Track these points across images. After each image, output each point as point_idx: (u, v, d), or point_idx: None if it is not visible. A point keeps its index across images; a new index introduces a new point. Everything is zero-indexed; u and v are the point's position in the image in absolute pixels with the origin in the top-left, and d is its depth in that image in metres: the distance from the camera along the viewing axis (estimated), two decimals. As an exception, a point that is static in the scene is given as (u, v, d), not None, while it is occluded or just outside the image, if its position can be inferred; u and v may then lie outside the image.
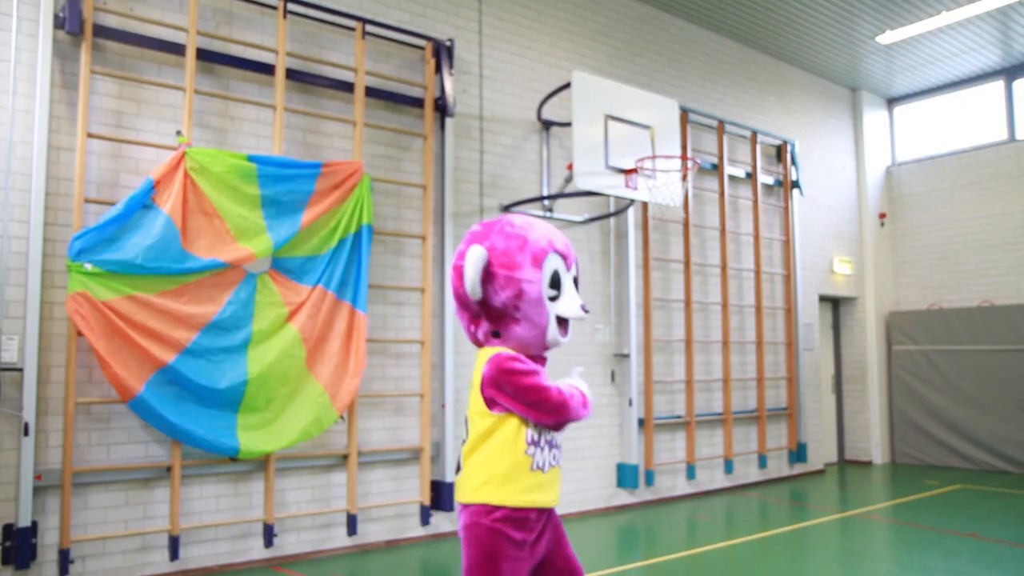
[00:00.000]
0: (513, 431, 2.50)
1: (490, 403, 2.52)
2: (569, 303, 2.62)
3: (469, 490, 2.53)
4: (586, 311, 2.65)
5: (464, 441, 2.61)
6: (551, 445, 2.59)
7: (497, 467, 2.50)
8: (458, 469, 2.62)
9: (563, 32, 7.77)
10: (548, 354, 2.67)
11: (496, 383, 2.48)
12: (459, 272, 2.55)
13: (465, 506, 2.54)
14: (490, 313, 2.56)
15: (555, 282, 2.58)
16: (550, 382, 2.54)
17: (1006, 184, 10.45)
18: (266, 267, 5.43)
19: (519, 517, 2.50)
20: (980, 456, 10.09)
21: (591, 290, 7.66)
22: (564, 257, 2.63)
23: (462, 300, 2.60)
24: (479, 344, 2.65)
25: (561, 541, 2.67)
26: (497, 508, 2.48)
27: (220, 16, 5.67)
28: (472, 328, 2.63)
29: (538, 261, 2.53)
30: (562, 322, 2.62)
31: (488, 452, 2.52)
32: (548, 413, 2.49)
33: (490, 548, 2.45)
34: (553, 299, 2.58)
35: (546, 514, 2.61)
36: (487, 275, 2.51)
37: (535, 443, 2.53)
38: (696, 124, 8.75)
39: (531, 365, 2.53)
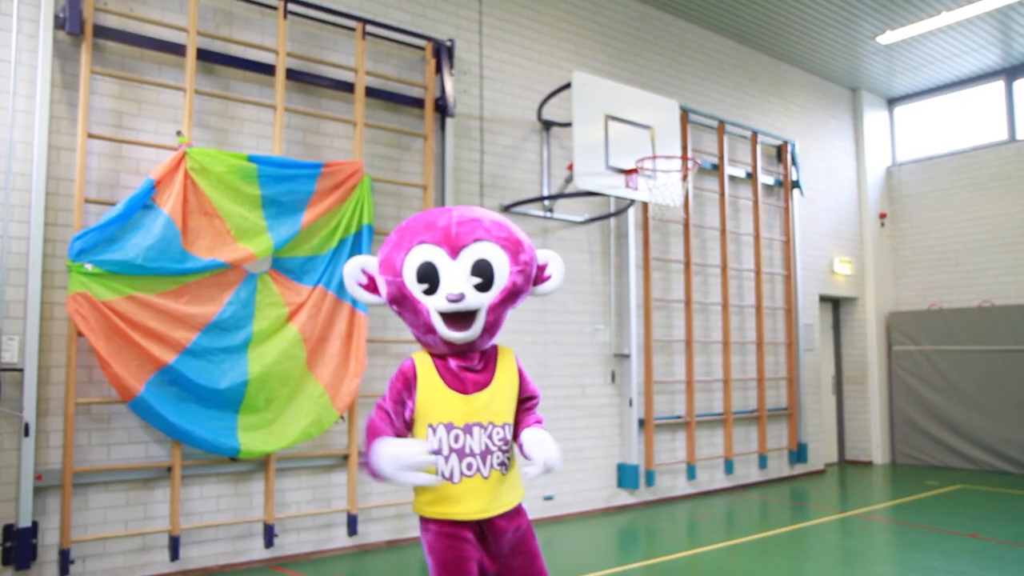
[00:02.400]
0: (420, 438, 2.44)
1: None
2: (439, 296, 2.38)
3: (414, 500, 2.54)
4: (452, 300, 2.35)
5: None
6: (462, 454, 2.40)
7: None
8: None
9: (563, 32, 7.77)
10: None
11: None
12: None
13: None
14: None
15: (425, 275, 2.39)
16: (379, 412, 2.40)
17: (1006, 184, 10.45)
18: (266, 267, 5.43)
19: (444, 527, 2.42)
20: (980, 456, 10.09)
21: (591, 290, 7.66)
22: (442, 244, 2.40)
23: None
24: None
25: (529, 558, 2.52)
26: (422, 518, 2.48)
27: (220, 16, 5.67)
28: None
29: (399, 259, 2.43)
30: (451, 317, 2.38)
31: None
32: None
33: (433, 555, 2.42)
34: (428, 292, 2.40)
35: (491, 527, 2.46)
36: (373, 282, 2.53)
37: (436, 452, 2.40)
38: (696, 124, 8.75)
39: (393, 381, 2.45)
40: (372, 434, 2.34)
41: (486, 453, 2.44)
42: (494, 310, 2.44)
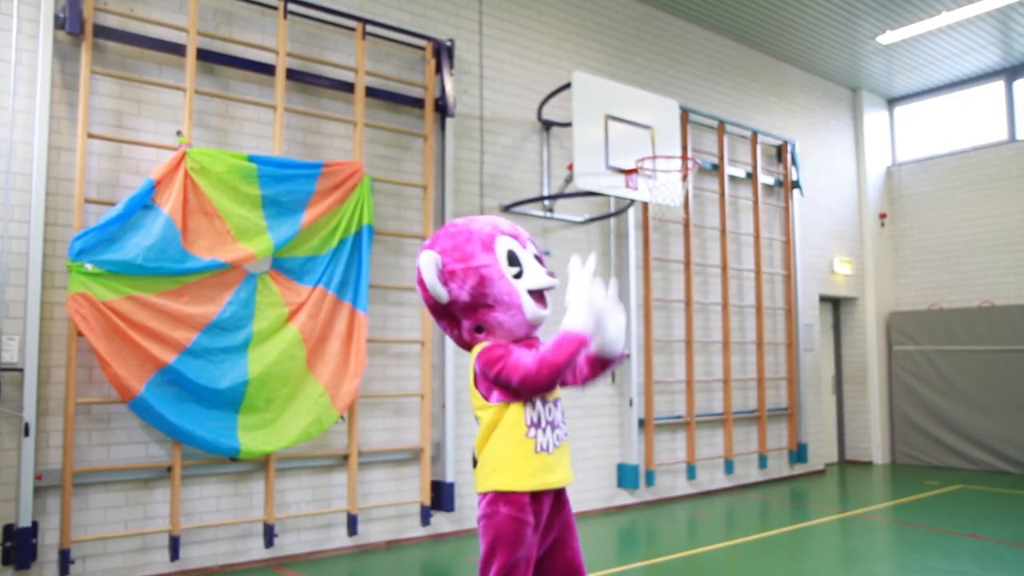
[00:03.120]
0: (513, 417, 2.57)
1: (487, 395, 2.61)
2: (534, 274, 2.65)
3: (482, 479, 2.62)
4: (553, 277, 2.67)
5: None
6: (552, 426, 2.62)
7: (504, 454, 2.58)
8: (474, 463, 2.70)
9: (563, 32, 7.77)
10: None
11: (484, 374, 2.59)
12: (421, 283, 2.65)
13: (481, 496, 2.61)
14: (465, 310, 2.64)
15: (513, 260, 2.64)
16: (528, 352, 2.55)
17: (1006, 184, 10.45)
18: (266, 267, 5.43)
19: (529, 501, 2.55)
20: (980, 456, 10.09)
21: (591, 290, 7.64)
22: (514, 237, 2.70)
23: (435, 309, 2.71)
24: (467, 346, 2.72)
25: (570, 534, 2.75)
26: (508, 494, 2.55)
27: (220, 16, 5.67)
28: (455, 333, 2.73)
29: (488, 245, 2.62)
30: (537, 296, 2.66)
31: (494, 441, 2.60)
32: (526, 382, 2.48)
33: (503, 534, 2.52)
34: (517, 276, 2.63)
35: (555, 499, 2.66)
36: (447, 275, 2.61)
37: (536, 425, 2.58)
38: (696, 124, 8.75)
39: (505, 348, 2.57)
40: (542, 357, 2.47)
41: (560, 425, 2.67)
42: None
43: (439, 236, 2.70)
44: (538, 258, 2.73)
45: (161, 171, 4.96)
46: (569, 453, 2.72)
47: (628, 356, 2.83)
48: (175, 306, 4.94)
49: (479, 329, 2.65)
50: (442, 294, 2.61)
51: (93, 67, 5.01)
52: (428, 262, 2.60)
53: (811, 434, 9.95)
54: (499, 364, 2.52)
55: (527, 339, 2.69)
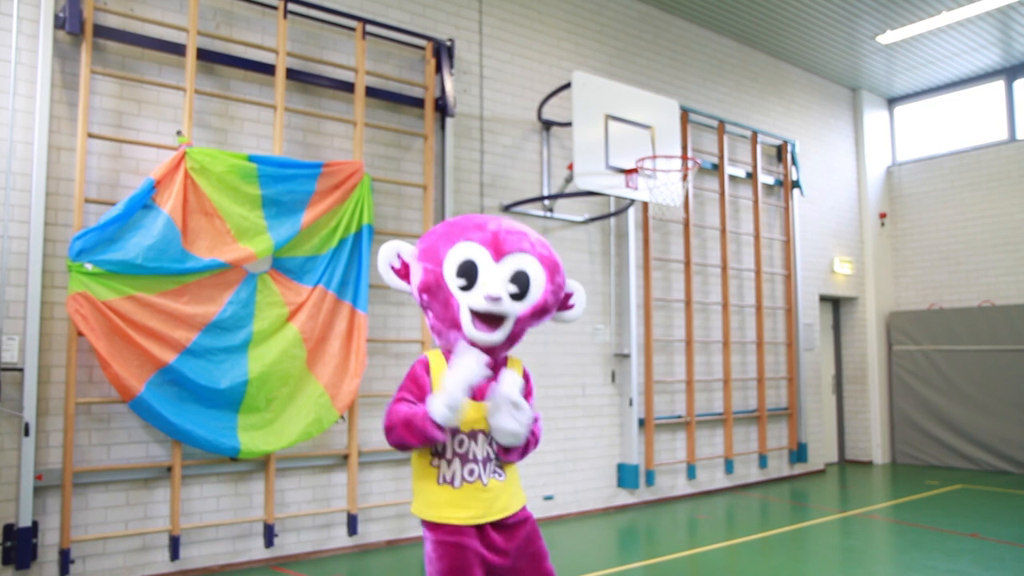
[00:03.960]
0: None
1: None
2: (476, 293, 2.39)
3: (412, 502, 2.54)
4: (490, 299, 2.37)
5: None
6: (464, 459, 2.42)
7: (415, 479, 2.50)
8: None
9: (563, 32, 7.77)
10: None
11: None
12: None
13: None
14: (420, 307, 2.56)
15: (465, 271, 2.41)
16: (400, 403, 2.38)
17: (1006, 184, 10.45)
18: (266, 267, 5.43)
19: (446, 534, 2.40)
20: (980, 456, 10.09)
21: (591, 290, 7.66)
22: (489, 247, 2.43)
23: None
24: None
25: (535, 560, 2.53)
26: (425, 520, 2.46)
27: (220, 16, 5.67)
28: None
29: (442, 249, 2.45)
30: (482, 317, 2.40)
31: (413, 462, 2.52)
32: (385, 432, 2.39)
33: (432, 559, 2.41)
34: (465, 289, 2.41)
35: (507, 527, 2.47)
36: (409, 268, 2.54)
37: (439, 455, 2.43)
38: (696, 124, 8.75)
39: (412, 379, 2.43)
40: (403, 417, 2.31)
41: (487, 460, 2.46)
42: (522, 322, 2.48)
43: (430, 229, 2.63)
44: (525, 276, 2.45)
45: (161, 171, 4.96)
46: (501, 492, 2.46)
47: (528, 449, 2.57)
48: (175, 306, 4.94)
49: (433, 330, 2.56)
50: (396, 285, 2.55)
51: (93, 67, 5.01)
52: (385, 251, 2.55)
53: (811, 434, 9.96)
54: (397, 391, 2.46)
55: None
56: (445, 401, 2.26)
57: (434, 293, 2.44)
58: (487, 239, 2.44)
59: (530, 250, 2.48)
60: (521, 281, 2.45)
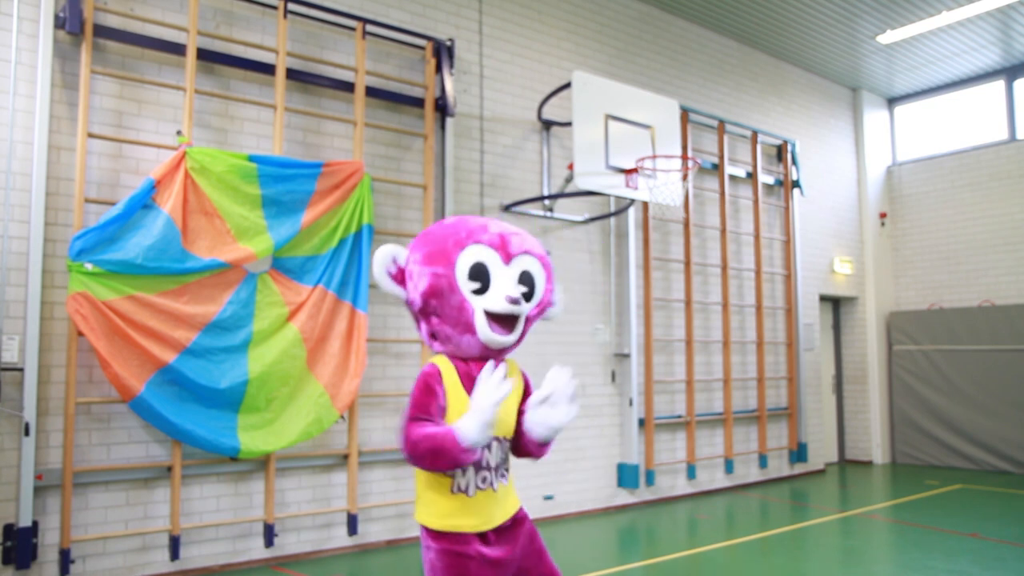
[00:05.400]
0: None
1: None
2: (493, 296, 2.37)
3: (416, 510, 2.48)
4: (512, 301, 2.36)
5: None
6: (479, 467, 2.39)
7: (424, 488, 2.43)
8: None
9: (563, 32, 7.77)
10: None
11: None
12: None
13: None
14: (420, 314, 2.47)
15: (478, 274, 2.38)
16: (424, 423, 2.28)
17: (1006, 184, 10.45)
18: (266, 267, 5.43)
19: (450, 544, 2.37)
20: (980, 456, 10.09)
21: (591, 290, 7.66)
22: (497, 248, 2.42)
23: (408, 304, 2.53)
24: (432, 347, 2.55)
25: (538, 556, 2.52)
26: (429, 530, 2.41)
27: (220, 16, 5.67)
28: (419, 330, 2.55)
29: (452, 253, 2.39)
30: (498, 319, 2.39)
31: (422, 473, 2.43)
32: (400, 441, 2.31)
33: (438, 569, 2.38)
34: (478, 292, 2.38)
35: (507, 531, 2.46)
36: (406, 273, 2.46)
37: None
38: (696, 124, 8.75)
39: (422, 390, 2.34)
40: (431, 447, 2.22)
41: (499, 466, 2.45)
42: (530, 321, 2.51)
43: (422, 233, 2.54)
44: (531, 277, 2.47)
45: (161, 171, 4.96)
46: (506, 496, 2.46)
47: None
48: (175, 306, 4.94)
49: (433, 336, 2.47)
50: (392, 291, 2.48)
51: (93, 67, 5.01)
52: (381, 256, 2.47)
53: (811, 434, 9.96)
54: (408, 405, 2.36)
55: (483, 359, 2.44)
56: (481, 420, 2.19)
57: (445, 297, 2.39)
58: (495, 242, 2.43)
59: (533, 251, 2.52)
60: (529, 281, 2.48)
